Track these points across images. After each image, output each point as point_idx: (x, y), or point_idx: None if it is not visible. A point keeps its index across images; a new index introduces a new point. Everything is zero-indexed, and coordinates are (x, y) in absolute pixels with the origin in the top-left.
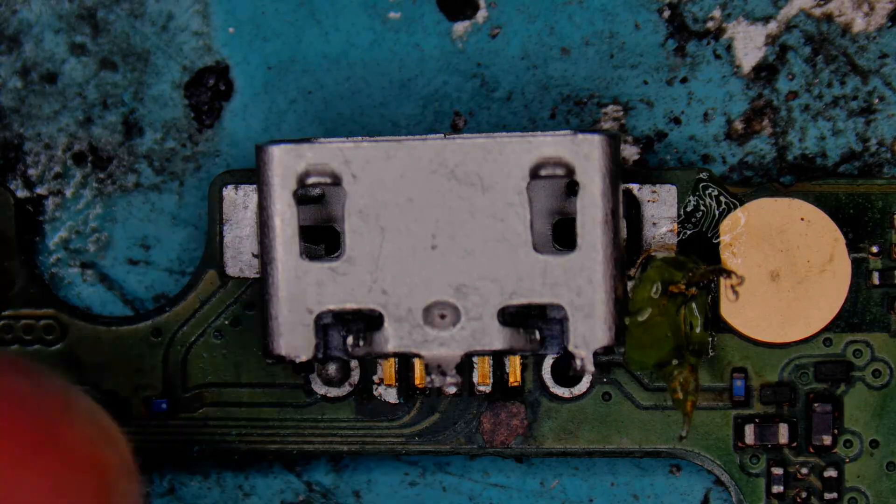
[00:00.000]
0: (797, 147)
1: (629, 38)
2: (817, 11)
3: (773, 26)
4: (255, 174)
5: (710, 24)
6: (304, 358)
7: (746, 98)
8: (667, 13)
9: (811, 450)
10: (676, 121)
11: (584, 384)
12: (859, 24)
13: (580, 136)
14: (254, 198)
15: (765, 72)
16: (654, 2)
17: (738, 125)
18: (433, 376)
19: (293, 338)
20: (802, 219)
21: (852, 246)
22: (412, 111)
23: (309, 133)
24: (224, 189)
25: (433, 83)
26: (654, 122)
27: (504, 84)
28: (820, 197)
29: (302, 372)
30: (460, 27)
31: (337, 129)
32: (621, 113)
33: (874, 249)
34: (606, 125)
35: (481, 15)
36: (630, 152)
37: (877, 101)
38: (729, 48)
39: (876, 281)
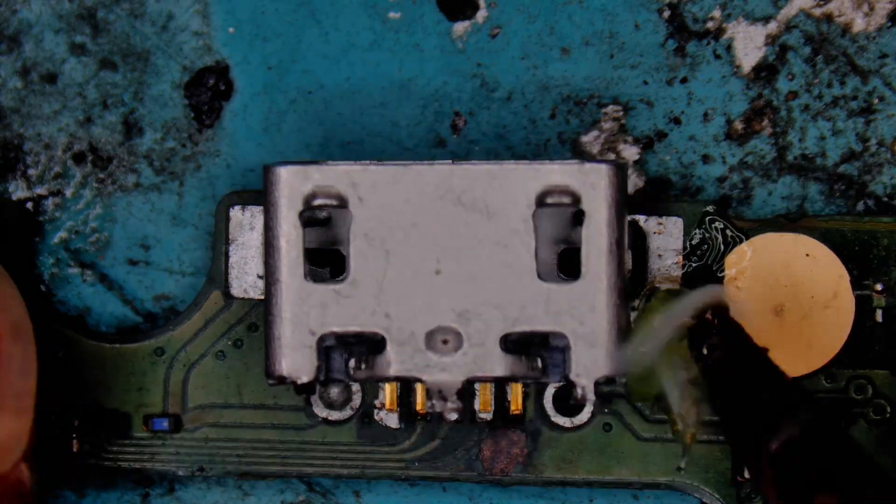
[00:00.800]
0: (797, 147)
1: (629, 38)
2: (817, 11)
3: (773, 26)
4: (262, 195)
5: (710, 24)
6: (305, 379)
7: (746, 98)
8: (667, 13)
9: None
10: (676, 121)
11: (585, 414)
12: (859, 24)
13: (587, 165)
14: (260, 219)
15: (765, 72)
16: (654, 2)
17: (738, 125)
18: (434, 401)
19: (295, 359)
20: (808, 254)
21: (856, 283)
22: (412, 111)
23: (309, 133)
24: (231, 209)
25: (433, 83)
26: (654, 122)
27: (504, 84)
28: (825, 233)
29: (303, 393)
30: (460, 27)
31: (337, 129)
32: (621, 113)
33: (878, 287)
34: (606, 125)
35: (481, 15)
36: (630, 152)
37: (877, 101)
38: (729, 48)
39: (879, 318)
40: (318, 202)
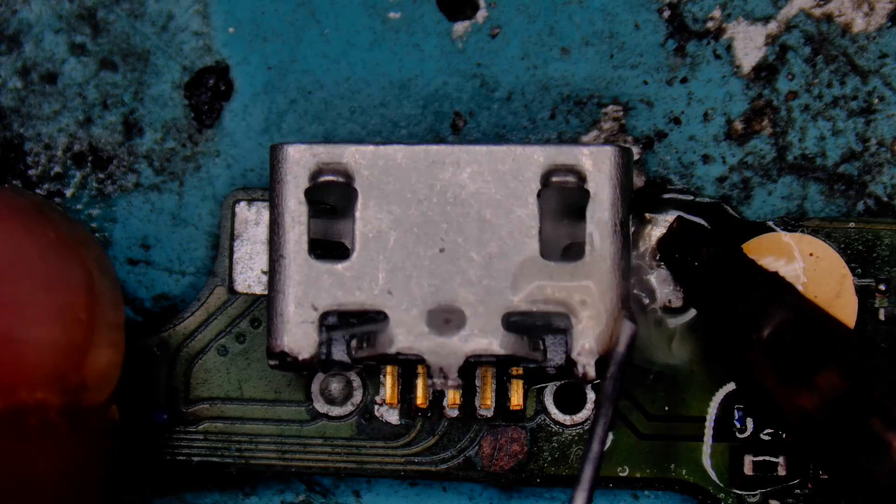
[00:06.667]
0: (797, 147)
1: (629, 38)
2: (817, 11)
3: (773, 26)
4: (267, 190)
5: (710, 24)
6: (306, 356)
7: (746, 98)
8: (667, 13)
9: (810, 486)
10: (676, 121)
11: (585, 411)
12: (859, 24)
13: (593, 146)
14: (265, 215)
15: (765, 72)
16: (654, 2)
17: (738, 125)
18: (435, 379)
19: (297, 335)
20: (811, 254)
21: (859, 282)
22: (412, 111)
23: (309, 133)
24: (237, 205)
25: (433, 83)
26: (654, 122)
27: (504, 84)
28: (829, 233)
29: (303, 371)
30: (460, 27)
31: (337, 129)
32: (621, 113)
33: (881, 287)
34: (606, 125)
35: (481, 15)
36: None
37: (877, 101)
38: (729, 48)
39: (882, 318)
40: (324, 178)
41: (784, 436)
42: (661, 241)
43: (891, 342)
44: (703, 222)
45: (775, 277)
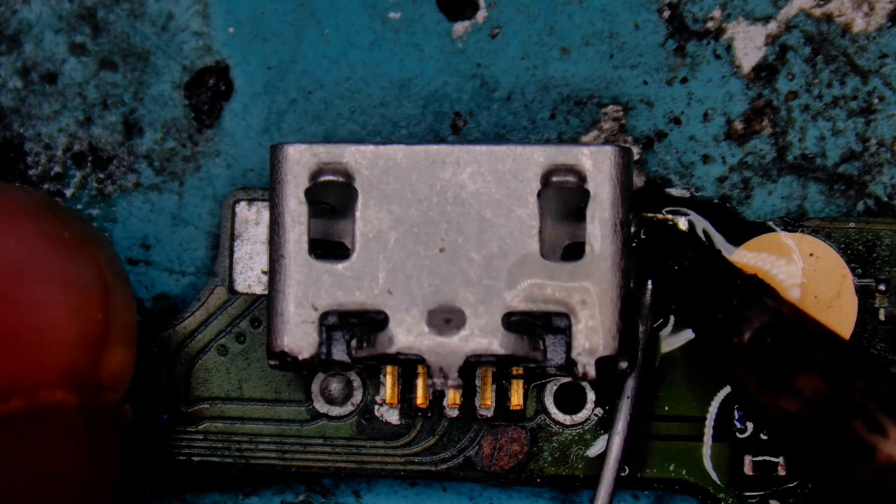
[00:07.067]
0: (797, 147)
1: (629, 38)
2: (817, 11)
3: (773, 26)
4: (267, 190)
5: (710, 24)
6: (306, 356)
7: (746, 98)
8: (667, 13)
9: (810, 486)
10: (676, 121)
11: (585, 411)
12: (859, 24)
13: (593, 146)
14: (265, 215)
15: (765, 72)
16: (654, 2)
17: (738, 125)
18: (435, 379)
19: (297, 335)
20: (811, 254)
21: (860, 282)
22: (412, 111)
23: (308, 133)
24: (237, 205)
25: (433, 83)
26: (654, 122)
27: (504, 84)
28: (829, 233)
29: (304, 371)
30: (460, 27)
31: (337, 129)
32: (621, 113)
33: (882, 287)
34: (606, 125)
35: (481, 15)
36: None
37: (877, 101)
38: (729, 48)
39: (882, 318)
40: (324, 178)
41: (767, 437)
42: (641, 246)
43: (891, 342)
44: (683, 226)
45: (755, 280)
